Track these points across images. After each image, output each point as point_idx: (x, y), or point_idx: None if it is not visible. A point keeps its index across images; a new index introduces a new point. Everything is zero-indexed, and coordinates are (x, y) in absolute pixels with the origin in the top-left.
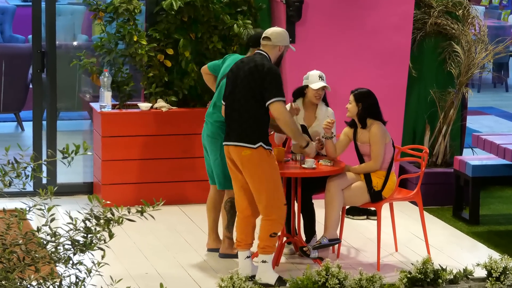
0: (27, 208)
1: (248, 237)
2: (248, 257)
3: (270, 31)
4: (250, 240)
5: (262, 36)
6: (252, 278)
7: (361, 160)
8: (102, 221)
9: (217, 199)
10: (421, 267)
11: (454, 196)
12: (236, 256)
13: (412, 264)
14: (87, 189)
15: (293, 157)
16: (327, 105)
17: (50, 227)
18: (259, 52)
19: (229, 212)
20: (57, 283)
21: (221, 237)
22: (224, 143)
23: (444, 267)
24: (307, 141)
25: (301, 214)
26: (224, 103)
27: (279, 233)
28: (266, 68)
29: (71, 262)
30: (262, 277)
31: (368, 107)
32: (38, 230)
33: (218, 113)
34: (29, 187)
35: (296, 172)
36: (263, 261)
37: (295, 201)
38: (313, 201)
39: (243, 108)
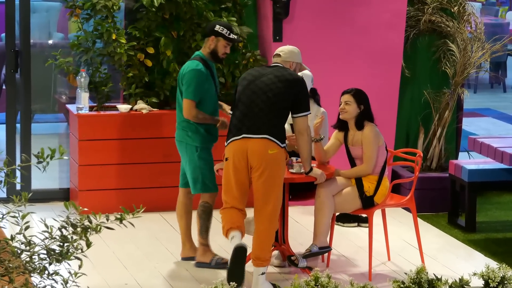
0: (0, 216)
1: (240, 220)
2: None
3: (281, 48)
4: (241, 223)
5: (274, 54)
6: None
7: (353, 164)
8: (79, 229)
9: (187, 204)
10: (415, 276)
11: (450, 202)
12: (209, 265)
13: (406, 273)
14: (63, 195)
15: None
16: (318, 105)
17: (24, 236)
18: (276, 64)
19: (201, 217)
20: None
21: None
22: (241, 136)
23: (439, 277)
24: (311, 166)
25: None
26: (239, 101)
27: None
28: (301, 78)
29: (46, 272)
30: None
31: (367, 108)
32: (12, 238)
33: (180, 113)
34: (2, 194)
35: (284, 178)
36: (263, 273)
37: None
38: (302, 208)
39: (275, 106)
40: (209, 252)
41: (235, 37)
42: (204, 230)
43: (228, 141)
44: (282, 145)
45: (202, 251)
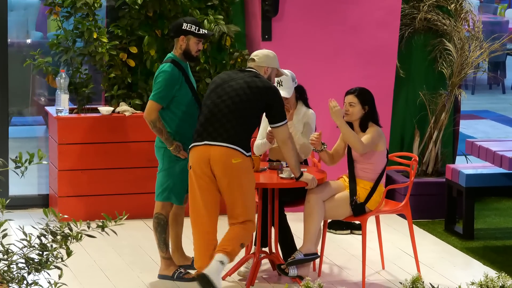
0: None
1: (208, 258)
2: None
3: (256, 52)
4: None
5: (249, 58)
6: None
7: (351, 166)
8: (59, 237)
9: (175, 212)
10: (411, 286)
11: (446, 208)
12: (171, 278)
13: (401, 283)
14: (42, 202)
15: (270, 166)
16: (307, 106)
17: (2, 244)
18: (250, 69)
19: (157, 230)
20: None
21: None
22: (203, 143)
23: (435, 286)
24: (301, 171)
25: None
26: (204, 104)
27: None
28: (273, 87)
29: (25, 282)
30: (212, 276)
31: (373, 109)
32: None
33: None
34: None
35: (274, 183)
36: (221, 262)
37: (273, 215)
38: (293, 214)
39: (240, 113)
40: (172, 266)
41: (206, 31)
42: (162, 243)
43: (190, 147)
44: (247, 154)
45: (165, 265)
